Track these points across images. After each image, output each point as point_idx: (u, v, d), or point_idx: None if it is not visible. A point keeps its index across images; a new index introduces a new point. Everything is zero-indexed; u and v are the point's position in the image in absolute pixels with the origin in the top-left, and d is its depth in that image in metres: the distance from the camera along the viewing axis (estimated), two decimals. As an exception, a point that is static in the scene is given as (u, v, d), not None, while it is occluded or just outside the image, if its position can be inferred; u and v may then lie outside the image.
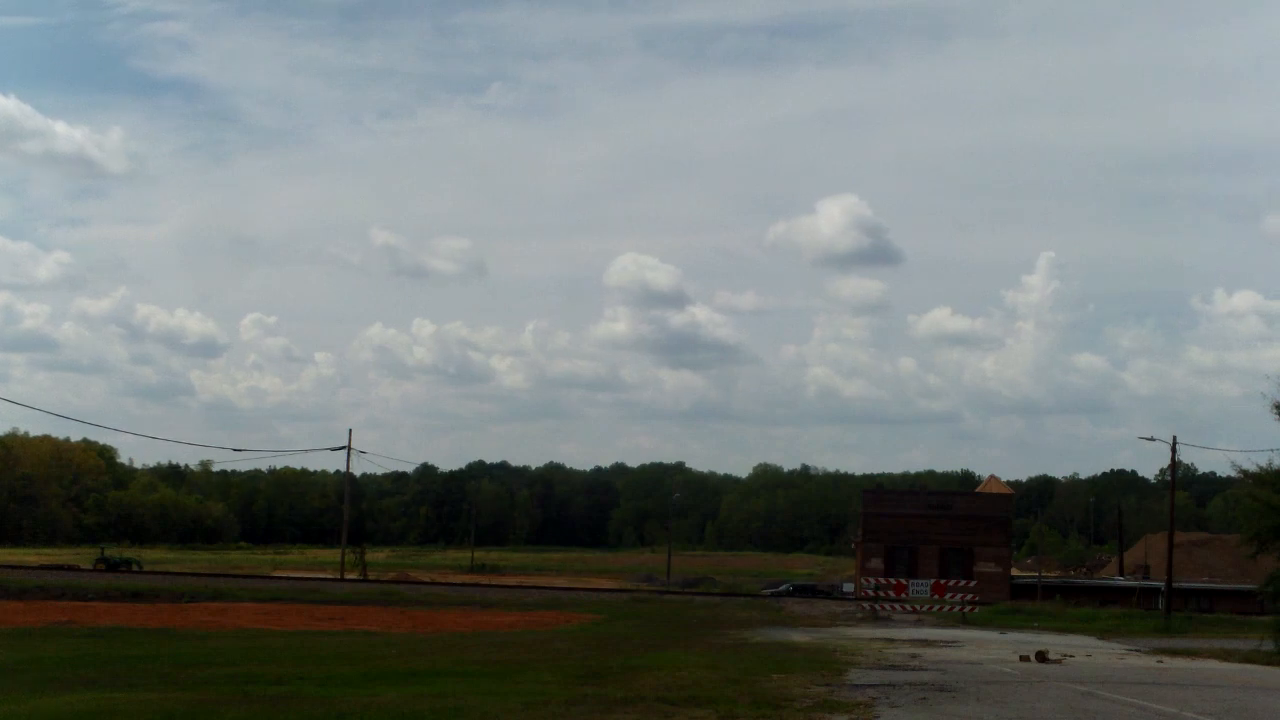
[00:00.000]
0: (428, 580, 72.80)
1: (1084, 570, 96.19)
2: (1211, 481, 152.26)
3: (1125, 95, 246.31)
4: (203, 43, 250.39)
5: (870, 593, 51.63)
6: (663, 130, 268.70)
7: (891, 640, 31.83)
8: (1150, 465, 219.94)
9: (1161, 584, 60.04)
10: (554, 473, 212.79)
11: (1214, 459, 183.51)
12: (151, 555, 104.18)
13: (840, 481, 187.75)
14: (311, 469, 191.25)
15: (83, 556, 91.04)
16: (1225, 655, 30.38)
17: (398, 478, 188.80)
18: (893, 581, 51.62)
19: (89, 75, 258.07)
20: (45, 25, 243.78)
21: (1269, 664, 27.86)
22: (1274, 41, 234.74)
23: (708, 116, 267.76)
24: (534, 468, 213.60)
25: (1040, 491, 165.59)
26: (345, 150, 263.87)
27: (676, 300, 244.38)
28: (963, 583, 52.21)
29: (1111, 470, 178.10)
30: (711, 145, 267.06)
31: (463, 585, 65.01)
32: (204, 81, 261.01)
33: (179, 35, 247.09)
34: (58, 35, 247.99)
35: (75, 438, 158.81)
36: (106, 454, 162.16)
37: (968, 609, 48.58)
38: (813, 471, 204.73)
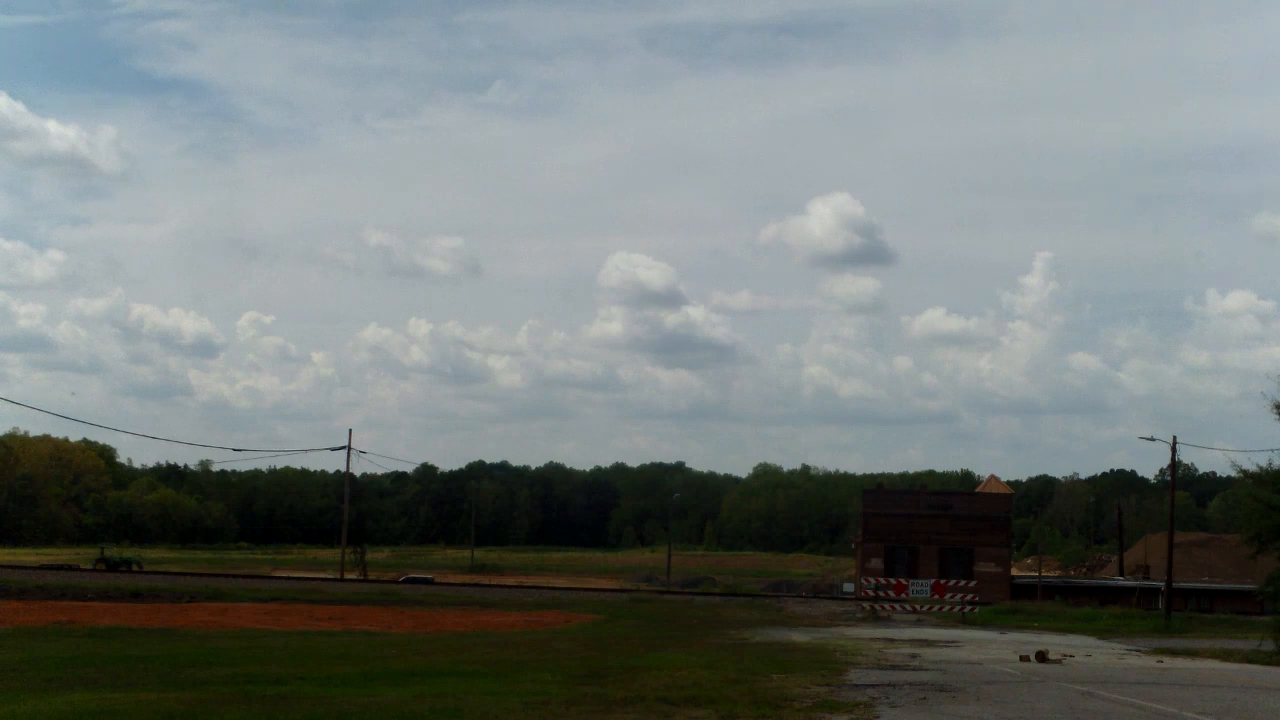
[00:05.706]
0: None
1: (1084, 570, 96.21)
2: (1211, 481, 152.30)
3: (1126, 95, 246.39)
4: (206, 42, 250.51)
5: (870, 593, 51.64)
6: (666, 129, 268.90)
7: (891, 640, 31.82)
8: (1150, 465, 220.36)
9: (1161, 584, 60.04)
10: (554, 473, 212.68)
11: (1214, 459, 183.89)
12: (151, 555, 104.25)
13: (840, 481, 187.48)
14: (311, 469, 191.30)
15: (83, 556, 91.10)
16: (1225, 655, 30.37)
17: (397, 477, 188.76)
18: (893, 581, 51.63)
19: (91, 74, 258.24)
20: (48, 24, 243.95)
21: (1269, 664, 27.87)
22: (1275, 41, 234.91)
23: (711, 115, 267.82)
24: (534, 468, 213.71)
25: (1040, 491, 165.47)
26: (347, 150, 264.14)
27: (671, 300, 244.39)
28: (963, 583, 52.20)
29: (1111, 470, 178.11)
30: (714, 144, 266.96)
31: (463, 585, 64.99)
32: (207, 81, 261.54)
33: (182, 34, 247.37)
34: (60, 34, 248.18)
35: (75, 438, 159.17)
36: (106, 454, 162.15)
37: (968, 609, 48.60)
38: (812, 471, 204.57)
